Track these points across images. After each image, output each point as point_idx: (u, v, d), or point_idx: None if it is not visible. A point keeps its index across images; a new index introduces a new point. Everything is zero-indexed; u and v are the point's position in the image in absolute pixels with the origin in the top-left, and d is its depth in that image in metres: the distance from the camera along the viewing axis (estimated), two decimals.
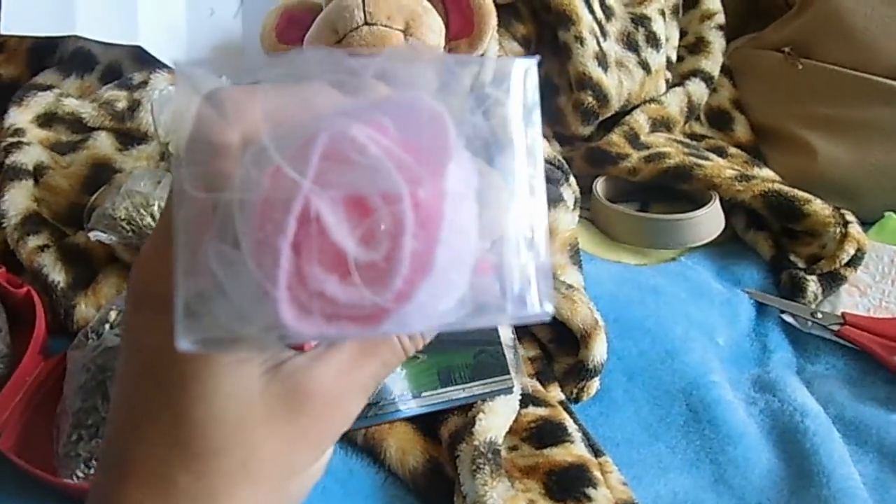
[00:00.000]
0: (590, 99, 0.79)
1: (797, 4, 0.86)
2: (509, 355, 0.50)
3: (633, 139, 0.80)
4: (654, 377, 0.59)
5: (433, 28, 0.61)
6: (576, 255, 0.60)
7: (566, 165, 0.66)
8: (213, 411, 0.24)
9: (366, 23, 0.59)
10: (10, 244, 0.57)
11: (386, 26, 0.59)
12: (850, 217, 0.72)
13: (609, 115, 0.81)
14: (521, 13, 0.84)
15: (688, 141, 0.83)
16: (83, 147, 0.64)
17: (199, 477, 0.24)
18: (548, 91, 0.83)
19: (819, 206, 0.71)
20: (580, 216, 0.74)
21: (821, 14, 0.82)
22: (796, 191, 0.73)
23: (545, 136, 0.82)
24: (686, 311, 0.65)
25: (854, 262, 0.70)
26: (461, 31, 0.65)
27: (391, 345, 0.28)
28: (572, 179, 0.67)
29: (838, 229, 0.70)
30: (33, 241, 0.57)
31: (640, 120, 0.81)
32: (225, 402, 0.24)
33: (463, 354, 0.50)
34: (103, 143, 0.64)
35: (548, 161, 0.65)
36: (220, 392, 0.24)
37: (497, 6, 0.80)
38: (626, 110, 0.83)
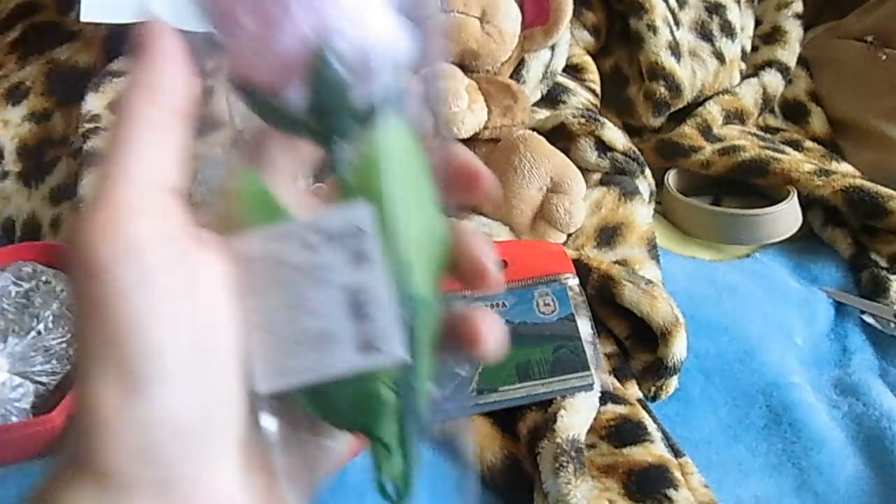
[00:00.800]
0: (662, 89, 0.77)
1: None
2: (589, 351, 0.49)
3: (707, 131, 0.78)
4: (732, 377, 0.57)
5: (510, 15, 0.60)
6: (653, 250, 0.59)
7: (642, 157, 0.65)
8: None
9: (441, 11, 0.58)
10: None
11: (462, 13, 0.58)
12: None
13: (681, 106, 0.79)
14: (591, 2, 0.82)
15: (762, 134, 0.81)
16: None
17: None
18: (617, 81, 0.81)
19: None
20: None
21: None
22: (879, 187, 0.70)
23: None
24: (763, 310, 0.63)
25: None
26: (536, 20, 0.64)
27: None
28: (648, 172, 0.66)
29: None
30: None
31: (713, 112, 0.79)
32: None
33: (541, 349, 0.49)
34: None
35: (623, 153, 0.63)
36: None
37: None
38: (699, 102, 0.81)
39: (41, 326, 0.50)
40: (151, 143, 0.23)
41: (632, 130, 0.81)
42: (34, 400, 0.47)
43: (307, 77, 0.23)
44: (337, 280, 0.23)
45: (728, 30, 0.80)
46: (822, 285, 0.69)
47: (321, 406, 0.24)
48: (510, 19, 0.60)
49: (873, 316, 0.66)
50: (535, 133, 0.58)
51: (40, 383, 0.48)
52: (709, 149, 0.76)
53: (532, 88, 0.72)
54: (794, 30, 0.85)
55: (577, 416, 0.45)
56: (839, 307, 0.67)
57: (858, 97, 0.81)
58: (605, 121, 0.65)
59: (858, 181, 0.71)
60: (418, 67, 0.24)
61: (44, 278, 0.53)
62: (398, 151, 0.24)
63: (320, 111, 0.23)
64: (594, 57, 0.82)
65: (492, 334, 0.25)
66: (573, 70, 0.77)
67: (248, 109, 0.25)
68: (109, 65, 0.70)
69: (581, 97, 0.74)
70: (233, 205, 0.24)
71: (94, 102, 0.66)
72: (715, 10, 0.81)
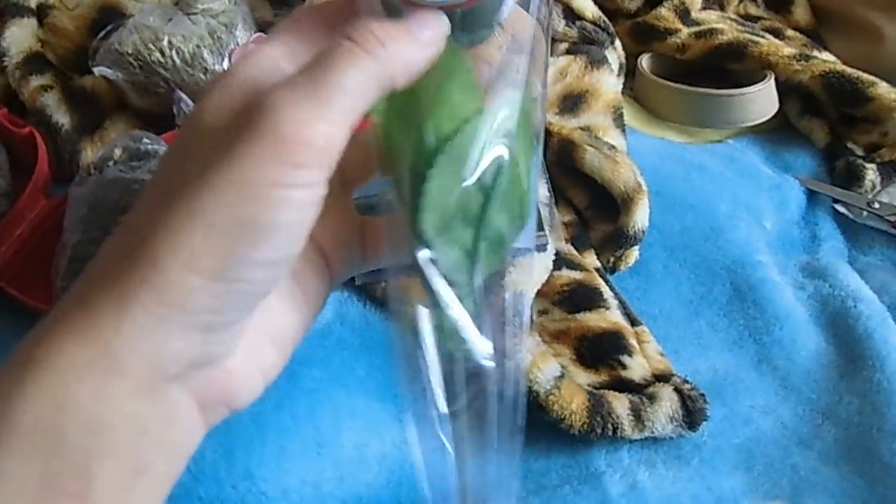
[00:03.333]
0: None
1: None
2: (544, 212, 0.46)
3: (684, 14, 0.74)
4: (697, 254, 0.55)
5: None
6: (619, 119, 0.55)
7: (612, 27, 0.61)
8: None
9: None
10: (11, 84, 0.53)
11: None
12: None
13: None
14: None
15: (742, 21, 0.77)
16: None
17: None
18: None
19: (885, 90, 0.65)
20: (623, 93, 0.69)
21: None
22: (860, 73, 0.67)
23: None
24: (732, 190, 0.60)
25: None
26: None
27: (346, 51, 0.23)
28: (617, 43, 0.62)
29: None
30: (36, 81, 0.53)
31: None
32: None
33: None
34: None
35: (592, 21, 0.59)
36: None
37: None
38: None
39: None
40: None
41: (607, 13, 0.77)
42: None
43: None
44: None
45: None
46: (795, 174, 0.66)
47: None
48: None
49: (845, 205, 0.63)
50: None
51: None
52: (685, 32, 0.72)
53: None
54: None
55: (527, 273, 0.43)
56: (811, 195, 0.65)
57: None
58: None
59: (840, 66, 0.67)
60: None
61: None
62: None
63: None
64: None
65: None
66: None
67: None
68: None
69: None
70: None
71: None
72: None
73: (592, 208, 0.51)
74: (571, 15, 0.59)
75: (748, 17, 0.80)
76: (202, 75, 0.49)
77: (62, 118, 0.52)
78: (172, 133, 0.48)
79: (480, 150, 0.26)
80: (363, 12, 0.25)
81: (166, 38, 0.48)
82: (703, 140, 0.67)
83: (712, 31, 0.71)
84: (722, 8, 0.77)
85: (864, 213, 0.63)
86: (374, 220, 0.29)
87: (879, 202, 0.63)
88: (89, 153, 0.51)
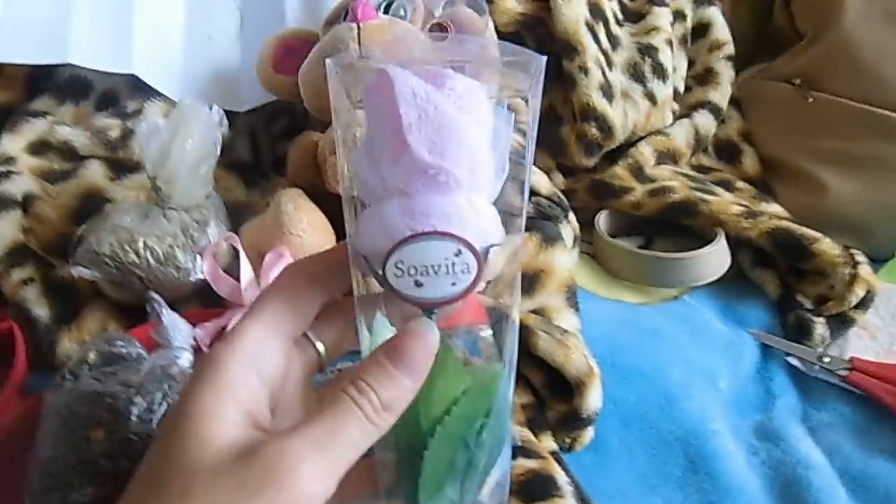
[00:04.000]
0: (594, 130, 0.77)
1: (808, 36, 0.84)
2: None
3: (638, 172, 0.79)
4: (652, 425, 0.57)
5: None
6: (572, 298, 0.58)
7: (566, 202, 0.65)
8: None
9: (361, 57, 0.57)
10: None
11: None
12: (860, 257, 0.70)
13: (613, 146, 0.80)
14: (526, 43, 0.83)
15: (694, 174, 0.82)
16: (74, 176, 0.63)
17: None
18: (551, 121, 0.82)
19: (828, 246, 0.69)
20: (581, 250, 0.73)
21: (831, 46, 0.80)
22: (805, 229, 0.71)
23: (547, 169, 0.81)
24: (686, 355, 0.63)
25: (864, 304, 0.68)
26: None
27: (354, 416, 0.27)
28: (572, 216, 0.65)
29: (847, 270, 0.68)
30: (17, 275, 0.55)
31: (645, 152, 0.80)
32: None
33: None
34: (95, 173, 0.63)
35: (546, 197, 0.63)
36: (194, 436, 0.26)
37: (500, 34, 0.80)
38: (632, 142, 0.81)
39: None
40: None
41: (565, 170, 0.81)
42: None
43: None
44: None
45: (660, 71, 0.81)
46: (749, 327, 0.69)
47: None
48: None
49: (798, 358, 0.66)
50: None
51: None
52: (640, 190, 0.76)
53: None
54: (726, 71, 0.86)
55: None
56: (765, 349, 0.67)
57: (788, 138, 0.82)
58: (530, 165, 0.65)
59: (784, 223, 0.71)
60: None
61: None
62: None
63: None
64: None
65: None
66: None
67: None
68: (29, 104, 0.68)
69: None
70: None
71: (9, 144, 0.64)
72: (647, 51, 0.82)
73: (548, 388, 0.54)
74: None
75: (701, 169, 0.85)
76: (175, 272, 0.52)
77: (41, 311, 0.54)
78: (143, 327, 0.50)
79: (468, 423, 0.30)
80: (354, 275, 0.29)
81: (141, 241, 0.51)
82: (658, 299, 0.70)
83: (665, 190, 0.75)
84: (675, 162, 0.82)
85: (816, 366, 0.65)
86: None
87: (830, 356, 0.65)
88: (66, 343, 0.54)
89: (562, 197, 0.65)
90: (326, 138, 0.56)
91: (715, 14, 0.88)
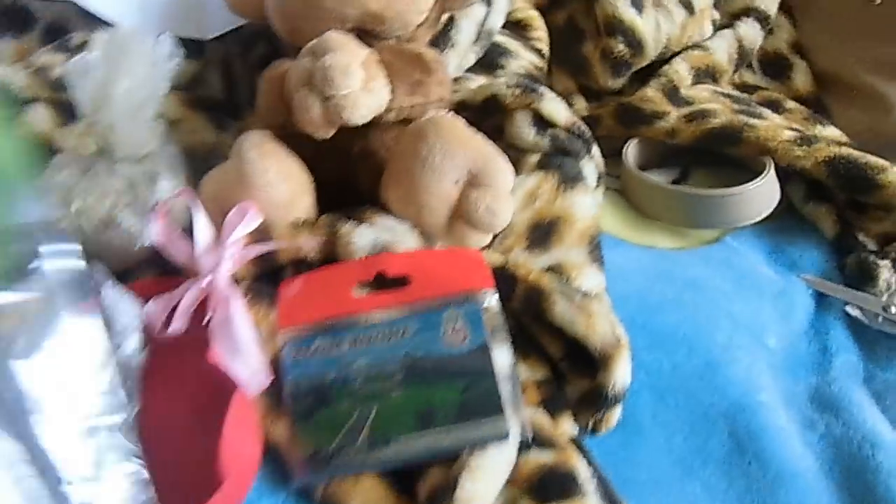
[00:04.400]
0: (621, 46, 0.67)
1: None
2: (505, 390, 0.40)
3: (673, 93, 0.68)
4: (690, 397, 0.49)
5: None
6: (596, 251, 0.49)
7: (589, 132, 0.55)
8: None
9: None
10: None
11: None
12: None
13: (644, 64, 0.69)
14: None
15: (738, 94, 0.71)
16: (16, 123, 0.54)
17: None
18: (572, 37, 0.71)
19: None
20: (608, 186, 0.63)
21: None
22: (868, 156, 0.60)
23: (567, 92, 0.71)
24: (730, 310, 0.54)
25: None
26: None
27: None
28: (595, 150, 0.56)
29: None
30: None
31: (680, 70, 0.69)
32: None
33: (447, 389, 0.40)
34: (40, 118, 0.55)
35: (566, 128, 0.54)
36: None
37: None
38: (665, 59, 0.70)
39: None
40: None
41: (589, 93, 0.71)
42: None
43: None
44: None
45: None
46: (801, 272, 0.60)
47: None
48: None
49: (860, 308, 0.57)
50: (448, 115, 0.48)
51: None
52: (675, 114, 0.66)
53: (464, 52, 0.62)
54: None
55: (486, 479, 0.37)
56: (820, 298, 0.58)
57: (847, 48, 0.71)
58: (546, 90, 0.55)
59: (845, 150, 0.61)
60: None
61: None
62: None
63: None
64: (546, 8, 0.72)
65: None
66: (515, 27, 0.66)
67: None
68: None
69: (524, 60, 0.64)
70: None
71: None
72: None
73: (568, 359, 0.46)
74: (542, 122, 0.54)
75: (745, 87, 0.74)
76: (118, 238, 0.44)
77: None
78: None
79: None
80: None
81: (77, 201, 0.43)
82: (697, 242, 0.61)
83: (704, 114, 0.65)
84: (715, 80, 0.71)
85: (880, 318, 0.56)
86: None
87: None
88: None
89: (584, 127, 0.55)
90: (293, 68, 0.47)
91: None
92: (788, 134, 0.62)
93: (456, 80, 0.62)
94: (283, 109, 0.48)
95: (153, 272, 0.46)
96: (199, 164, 0.52)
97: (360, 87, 0.45)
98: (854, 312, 0.57)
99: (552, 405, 0.44)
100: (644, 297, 0.53)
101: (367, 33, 0.50)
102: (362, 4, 0.48)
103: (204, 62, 0.62)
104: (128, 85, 0.43)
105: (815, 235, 0.63)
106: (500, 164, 0.47)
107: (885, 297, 0.57)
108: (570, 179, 0.52)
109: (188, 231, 0.45)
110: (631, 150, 0.66)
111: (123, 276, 0.46)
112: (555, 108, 0.54)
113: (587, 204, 0.51)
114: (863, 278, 0.58)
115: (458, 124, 0.47)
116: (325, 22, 0.49)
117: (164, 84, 0.46)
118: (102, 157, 0.46)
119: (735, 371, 0.50)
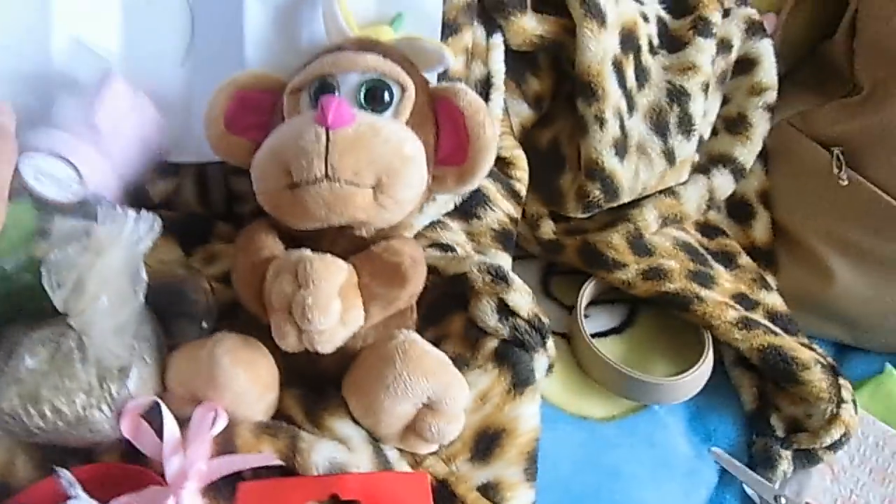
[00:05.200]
0: (597, 192, 0.68)
1: (864, 93, 0.71)
2: None
3: (636, 241, 0.70)
4: None
5: (411, 183, 0.49)
6: (531, 467, 0.53)
7: (546, 326, 0.57)
8: None
9: (326, 177, 0.47)
10: None
11: (351, 183, 0.47)
12: (845, 394, 0.65)
13: (615, 205, 0.71)
14: (540, 64, 0.70)
15: (696, 245, 0.73)
16: None
17: None
18: (551, 163, 0.72)
19: (817, 377, 0.64)
20: (555, 331, 0.66)
21: (889, 123, 0.69)
22: (798, 352, 0.65)
23: (538, 216, 0.72)
24: (642, 498, 0.60)
25: (836, 445, 0.64)
26: (452, 157, 0.54)
27: None
28: (550, 343, 0.58)
29: (830, 407, 0.64)
30: None
31: (648, 219, 0.71)
32: None
33: None
34: None
35: (527, 320, 0.56)
36: None
37: (512, 53, 0.67)
38: (638, 199, 0.72)
39: None
40: None
41: (557, 217, 0.73)
42: None
43: None
44: None
45: (686, 124, 0.70)
46: (715, 443, 0.66)
47: None
48: (410, 187, 0.49)
49: (756, 493, 0.64)
50: (416, 342, 0.50)
51: None
52: (633, 268, 0.69)
53: (445, 200, 0.62)
54: (761, 125, 0.74)
55: None
56: (724, 472, 0.65)
57: (809, 213, 0.74)
58: (514, 279, 0.57)
59: (778, 341, 0.66)
60: None
61: None
62: None
63: None
64: (533, 127, 0.72)
65: None
66: (499, 163, 0.66)
67: None
68: None
69: (499, 212, 0.65)
70: None
71: None
72: (677, 97, 0.69)
73: None
74: (505, 309, 0.56)
75: (707, 228, 0.76)
76: (88, 433, 0.46)
77: None
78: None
79: None
80: None
81: (47, 403, 0.44)
82: (627, 410, 0.66)
83: (660, 273, 0.68)
84: (680, 223, 0.74)
85: None
86: None
87: (786, 497, 0.63)
88: None
89: (543, 320, 0.57)
90: (274, 284, 0.47)
91: (765, 50, 0.74)
92: (732, 315, 0.66)
93: (432, 224, 0.63)
94: (259, 308, 0.49)
95: (118, 455, 0.48)
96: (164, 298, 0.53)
97: (336, 322, 0.46)
98: (751, 492, 0.64)
99: None
100: (568, 488, 0.58)
101: (352, 228, 0.51)
102: (351, 215, 0.49)
103: (180, 177, 0.61)
104: (106, 300, 0.43)
105: (734, 406, 0.68)
106: (456, 392, 0.50)
107: (777, 486, 0.64)
108: (521, 383, 0.55)
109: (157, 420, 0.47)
110: (588, 291, 0.70)
111: (88, 454, 0.48)
112: (519, 300, 0.56)
113: (531, 412, 0.55)
114: (764, 464, 0.65)
115: (425, 352, 0.49)
116: (312, 222, 0.49)
117: (142, 277, 0.46)
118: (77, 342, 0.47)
119: None
